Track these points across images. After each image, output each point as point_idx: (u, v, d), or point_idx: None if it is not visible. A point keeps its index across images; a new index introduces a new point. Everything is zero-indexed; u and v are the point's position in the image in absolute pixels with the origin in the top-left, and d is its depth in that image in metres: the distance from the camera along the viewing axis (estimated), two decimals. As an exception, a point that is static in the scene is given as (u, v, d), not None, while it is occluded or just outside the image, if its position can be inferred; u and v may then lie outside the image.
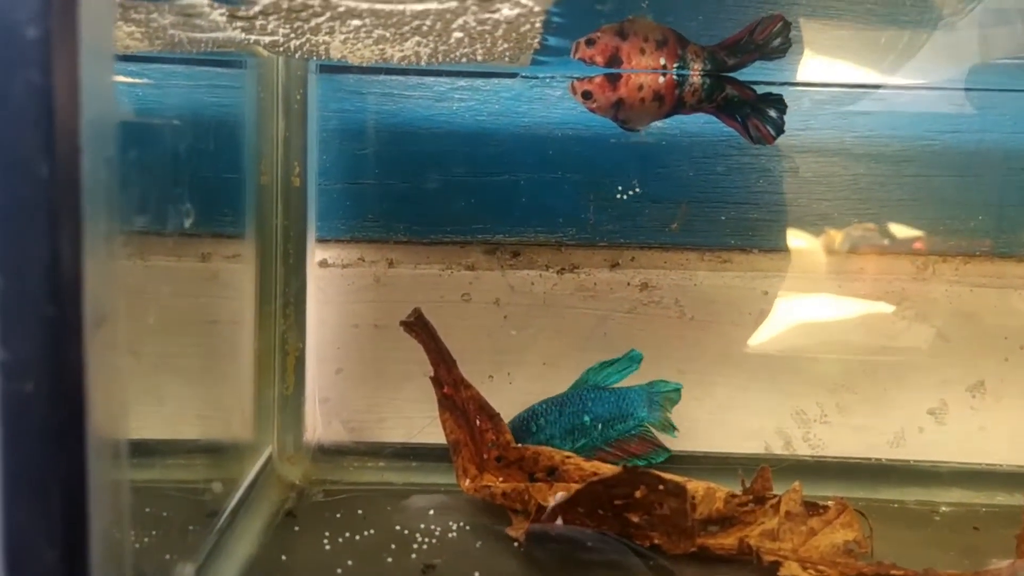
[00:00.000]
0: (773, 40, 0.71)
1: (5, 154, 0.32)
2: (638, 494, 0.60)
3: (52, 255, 0.33)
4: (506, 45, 0.62)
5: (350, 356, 0.89)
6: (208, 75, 0.68)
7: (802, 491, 0.67)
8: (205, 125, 0.64)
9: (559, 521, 0.64)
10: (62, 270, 0.33)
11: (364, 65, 0.71)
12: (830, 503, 0.67)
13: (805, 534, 0.65)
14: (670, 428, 0.83)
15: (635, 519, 0.62)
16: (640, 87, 0.70)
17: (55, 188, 0.32)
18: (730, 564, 0.65)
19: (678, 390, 0.83)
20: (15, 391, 0.33)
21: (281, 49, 0.64)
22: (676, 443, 0.90)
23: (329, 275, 0.88)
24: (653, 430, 0.82)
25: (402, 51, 0.62)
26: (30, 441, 0.33)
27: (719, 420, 0.90)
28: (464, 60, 0.66)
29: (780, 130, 0.74)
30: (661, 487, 0.60)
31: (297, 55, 0.65)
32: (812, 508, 0.67)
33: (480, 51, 0.62)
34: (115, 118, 0.34)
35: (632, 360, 0.82)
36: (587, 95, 0.70)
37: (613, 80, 0.70)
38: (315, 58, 0.66)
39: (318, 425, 0.85)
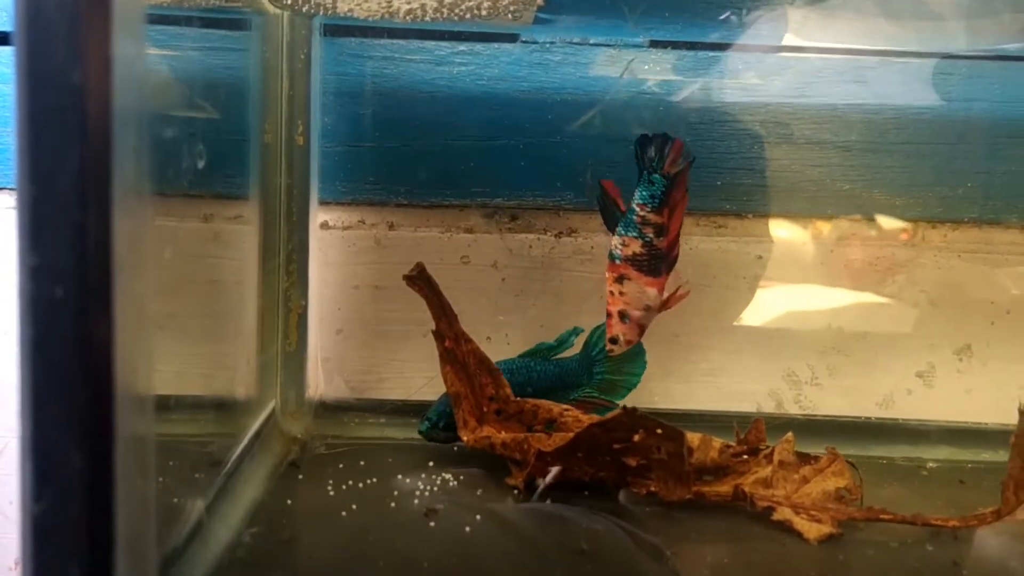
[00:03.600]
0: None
1: (37, 63, 0.33)
2: (636, 438, 0.62)
3: (82, 163, 0.34)
4: (510, 0, 0.63)
5: (350, 317, 0.90)
6: (215, 35, 0.68)
7: (794, 442, 0.69)
8: (211, 84, 0.65)
9: (553, 470, 0.66)
10: (92, 177, 0.34)
11: (369, 22, 0.72)
12: (823, 454, 0.69)
13: (798, 482, 0.67)
14: (620, 389, 0.82)
15: (632, 463, 0.64)
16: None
17: (86, 96, 0.33)
18: (725, 510, 0.66)
19: (610, 339, 0.78)
20: (45, 296, 0.34)
21: (289, 2, 0.65)
22: (669, 404, 0.92)
23: (330, 237, 0.89)
24: (597, 392, 0.82)
25: (408, 4, 0.63)
26: (58, 345, 0.34)
27: (713, 382, 0.92)
28: (468, 16, 0.67)
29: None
30: (659, 431, 0.61)
31: (304, 8, 0.66)
32: (804, 458, 0.69)
33: (486, 5, 0.63)
34: (145, 30, 0.35)
35: (572, 333, 0.82)
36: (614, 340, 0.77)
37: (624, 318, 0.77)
38: (322, 12, 0.67)
39: (320, 382, 0.86)
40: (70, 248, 0.34)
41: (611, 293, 0.76)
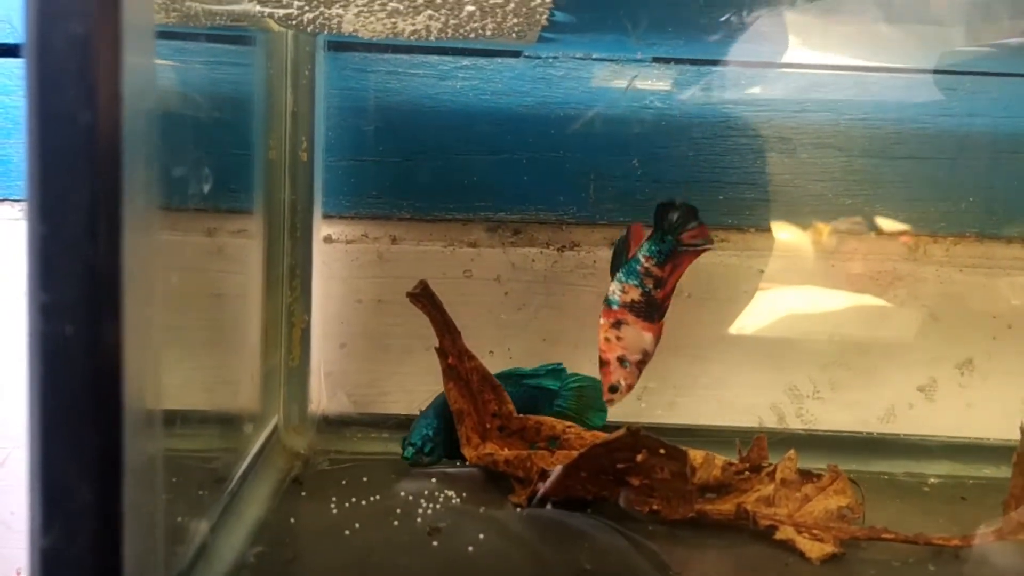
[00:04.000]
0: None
1: (48, 102, 0.34)
2: (639, 458, 0.62)
3: (92, 201, 0.34)
4: (516, 20, 0.63)
5: (353, 331, 0.90)
6: (219, 51, 0.68)
7: (797, 460, 0.69)
8: (216, 101, 0.65)
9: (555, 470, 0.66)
10: (102, 214, 0.34)
11: (374, 40, 0.72)
12: (824, 471, 0.69)
13: (800, 500, 0.67)
14: (587, 421, 0.81)
15: (636, 483, 0.64)
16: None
17: (96, 136, 0.34)
18: (727, 529, 0.66)
19: (592, 386, 0.80)
20: (55, 333, 0.34)
21: (294, 22, 0.65)
22: (672, 417, 0.92)
23: (333, 251, 0.89)
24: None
25: (413, 25, 0.63)
26: (69, 381, 0.35)
27: (714, 396, 0.92)
28: (473, 36, 0.68)
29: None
30: (662, 451, 0.62)
31: (309, 28, 0.66)
32: (807, 476, 0.69)
33: (490, 26, 0.63)
34: (154, 69, 0.35)
35: (553, 368, 0.82)
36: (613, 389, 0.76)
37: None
38: (327, 32, 0.67)
39: (323, 397, 0.86)
40: (80, 285, 0.34)
41: (607, 340, 0.76)
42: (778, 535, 0.64)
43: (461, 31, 0.66)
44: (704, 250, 0.78)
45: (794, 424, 0.91)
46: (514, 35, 0.70)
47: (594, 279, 0.91)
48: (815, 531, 0.64)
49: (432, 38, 0.67)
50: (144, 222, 0.36)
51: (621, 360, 0.75)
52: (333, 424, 0.85)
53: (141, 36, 0.35)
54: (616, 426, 0.64)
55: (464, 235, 0.91)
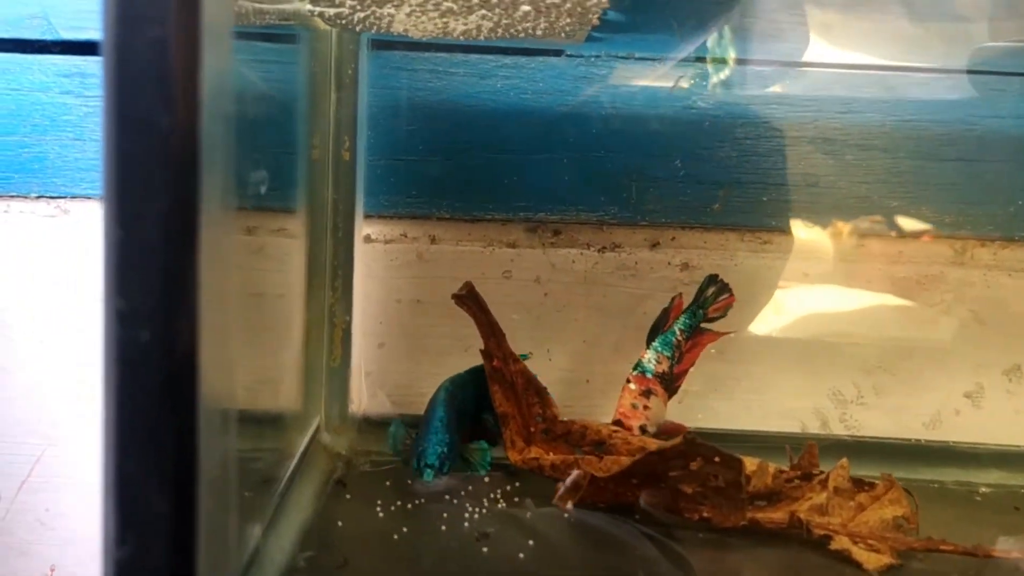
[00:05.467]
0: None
1: (126, 106, 0.33)
2: (694, 465, 0.61)
3: (170, 206, 0.33)
4: (568, 20, 0.62)
5: (392, 331, 0.89)
6: (268, 50, 0.68)
7: (849, 467, 0.68)
8: (266, 101, 0.65)
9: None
10: (179, 219, 0.33)
11: (420, 40, 0.71)
12: (878, 479, 0.68)
13: (854, 509, 0.66)
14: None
15: (688, 490, 0.63)
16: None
17: (175, 140, 0.33)
18: (780, 538, 0.65)
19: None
20: (131, 340, 0.34)
21: (344, 21, 0.64)
22: (712, 422, 0.91)
23: (372, 250, 0.89)
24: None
25: (465, 24, 0.62)
26: (144, 389, 0.34)
27: (756, 400, 0.91)
28: (522, 35, 0.67)
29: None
30: (717, 459, 0.61)
31: (358, 28, 0.65)
32: (859, 484, 0.68)
33: (543, 25, 0.63)
34: (232, 71, 0.35)
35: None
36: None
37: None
38: (376, 31, 0.67)
39: (363, 397, 0.86)
40: (157, 291, 0.33)
41: (633, 407, 0.76)
42: (833, 545, 0.63)
43: (512, 30, 0.65)
44: (722, 334, 0.82)
45: (837, 430, 0.90)
46: (563, 35, 0.69)
47: (635, 281, 0.90)
48: (871, 541, 0.63)
49: (482, 37, 0.66)
50: (219, 225, 0.35)
51: (643, 429, 0.75)
52: (373, 425, 0.84)
53: (220, 38, 0.34)
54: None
55: (504, 235, 0.90)
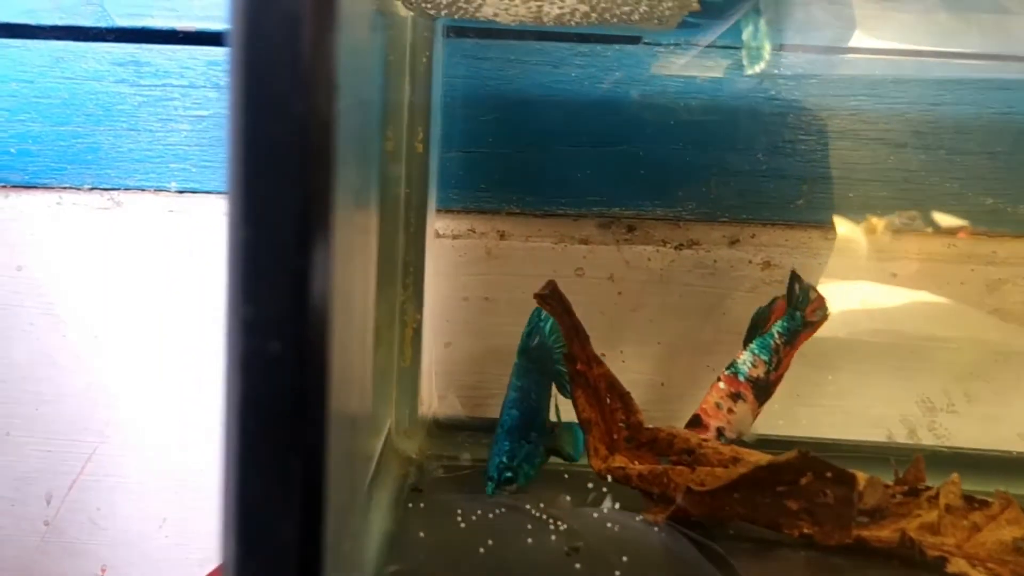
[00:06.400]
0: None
1: (256, 91, 0.30)
2: (803, 480, 0.57)
3: (304, 203, 0.30)
4: (670, 4, 0.58)
5: (459, 329, 0.86)
6: (349, 37, 0.65)
7: (960, 483, 0.64)
8: (348, 90, 0.61)
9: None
10: (314, 218, 0.30)
11: (500, 26, 0.68)
12: (992, 498, 0.63)
13: (968, 529, 0.62)
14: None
15: (794, 507, 0.59)
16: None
17: (310, 128, 0.30)
18: (888, 558, 0.61)
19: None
20: (258, 351, 0.30)
21: (428, 5, 0.61)
22: (793, 429, 0.87)
23: (440, 246, 0.85)
24: None
25: (560, 9, 0.58)
26: (273, 405, 0.31)
27: (840, 406, 0.86)
28: (616, 21, 0.63)
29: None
30: (829, 474, 0.57)
31: (444, 12, 0.62)
32: (971, 501, 0.64)
33: (642, 9, 0.59)
34: (371, 54, 0.31)
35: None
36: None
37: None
38: (462, 16, 0.63)
39: (433, 399, 0.82)
40: (289, 299, 0.30)
41: (717, 406, 0.72)
42: (950, 568, 0.59)
43: (607, 15, 0.61)
44: (821, 323, 0.76)
45: (927, 440, 0.85)
46: (657, 20, 0.65)
47: (714, 279, 0.86)
48: (990, 565, 0.59)
49: (574, 23, 0.62)
50: (349, 223, 0.32)
51: (720, 432, 0.71)
52: (443, 427, 0.81)
53: (355, 16, 0.31)
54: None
55: (575, 231, 0.86)
